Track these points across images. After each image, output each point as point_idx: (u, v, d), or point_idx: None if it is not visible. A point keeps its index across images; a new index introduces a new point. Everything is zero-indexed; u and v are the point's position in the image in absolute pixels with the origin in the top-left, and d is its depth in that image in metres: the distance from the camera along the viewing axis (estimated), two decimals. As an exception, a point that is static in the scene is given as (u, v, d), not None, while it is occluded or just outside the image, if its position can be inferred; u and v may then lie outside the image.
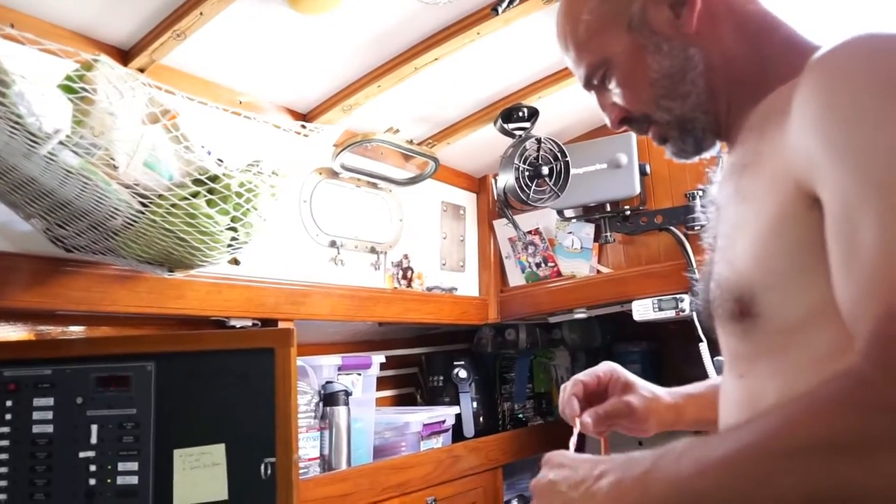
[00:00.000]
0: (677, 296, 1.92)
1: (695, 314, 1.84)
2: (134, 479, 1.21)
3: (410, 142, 2.08)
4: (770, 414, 0.53)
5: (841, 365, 0.51)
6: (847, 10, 1.60)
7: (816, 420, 0.50)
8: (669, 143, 0.89)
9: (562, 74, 1.88)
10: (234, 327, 1.61)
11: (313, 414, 1.78)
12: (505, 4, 1.47)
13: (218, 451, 1.23)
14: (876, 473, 0.46)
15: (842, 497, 0.48)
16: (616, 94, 0.88)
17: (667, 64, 0.81)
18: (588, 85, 0.91)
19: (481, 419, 2.36)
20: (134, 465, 1.21)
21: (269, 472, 1.24)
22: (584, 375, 1.06)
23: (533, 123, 1.98)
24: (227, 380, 1.29)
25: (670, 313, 1.94)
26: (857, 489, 0.47)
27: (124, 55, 1.47)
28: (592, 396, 1.05)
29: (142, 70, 1.46)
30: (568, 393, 1.05)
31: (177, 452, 1.23)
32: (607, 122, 0.92)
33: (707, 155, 0.90)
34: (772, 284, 0.68)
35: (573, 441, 1.00)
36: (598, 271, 2.28)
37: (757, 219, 0.69)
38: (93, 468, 1.21)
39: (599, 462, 0.66)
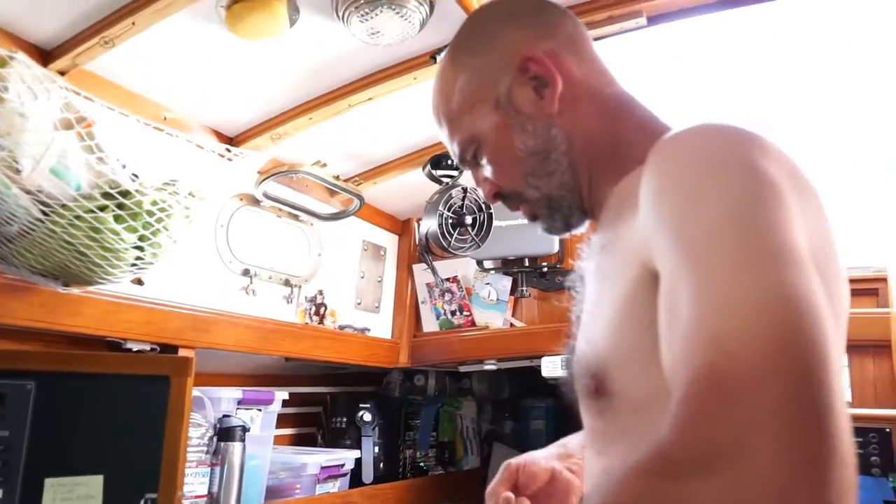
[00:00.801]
0: (586, 356, 1.95)
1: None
2: (-5, 509, 1.11)
3: (337, 177, 2.06)
4: (592, 493, 0.54)
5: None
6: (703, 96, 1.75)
7: (618, 492, 0.49)
8: (540, 220, 0.92)
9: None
10: (130, 350, 1.52)
11: (206, 448, 1.69)
12: (444, 54, 1.49)
13: (94, 483, 1.15)
14: None
15: None
16: (487, 170, 0.91)
17: (531, 143, 0.85)
18: (462, 161, 0.94)
19: (381, 465, 2.31)
20: (-3, 494, 1.11)
21: (148, 508, 1.17)
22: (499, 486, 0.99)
23: (461, 173, 2.00)
24: (114, 406, 1.22)
25: (578, 372, 1.96)
26: None
27: (45, 55, 1.40)
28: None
29: (62, 73, 1.39)
30: None
31: (48, 482, 1.14)
32: (482, 195, 0.95)
33: (577, 231, 0.93)
34: (623, 363, 0.69)
35: None
36: (512, 324, 2.30)
37: (611, 298, 0.71)
38: (-50, 493, 1.10)
39: None
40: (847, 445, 0.44)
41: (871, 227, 1.89)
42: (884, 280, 1.75)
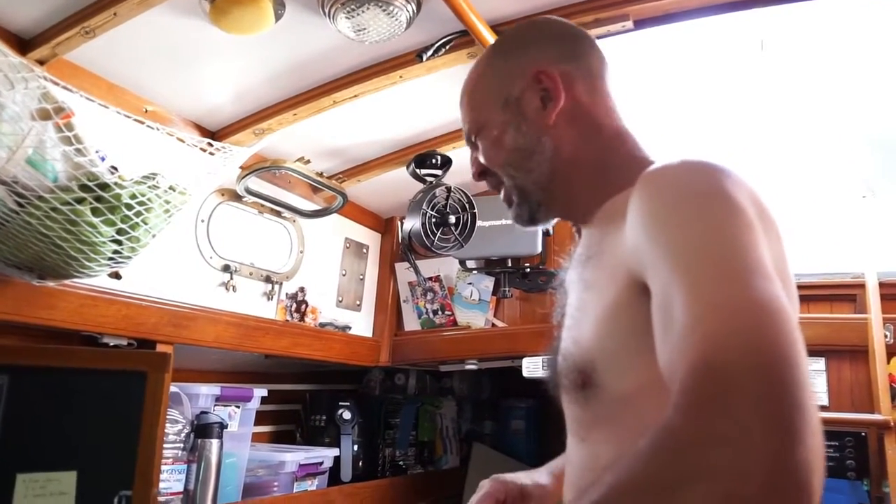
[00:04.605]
0: (566, 357, 1.95)
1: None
2: (-36, 505, 1.09)
3: (320, 174, 2.05)
4: (607, 472, 0.60)
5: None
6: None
7: (634, 471, 0.57)
8: (512, 207, 1.04)
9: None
10: (107, 345, 1.50)
11: (182, 445, 1.68)
12: (430, 52, 1.49)
13: (67, 480, 1.13)
14: None
15: None
16: (481, 152, 1.03)
17: (521, 141, 0.97)
18: (468, 140, 1.07)
19: (360, 463, 2.30)
20: (-33, 489, 1.09)
21: (122, 506, 1.15)
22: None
23: (445, 172, 2.00)
24: (89, 402, 1.20)
25: (558, 373, 1.96)
26: None
27: (24, 44, 1.37)
28: None
29: (41, 62, 1.37)
30: None
31: (20, 477, 1.11)
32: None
33: (542, 227, 1.07)
34: (609, 361, 0.80)
35: None
36: (494, 324, 2.30)
37: (598, 304, 0.82)
38: (-83, 489, 1.08)
39: None
40: (816, 417, 0.53)
41: (849, 233, 1.91)
42: (861, 286, 1.76)
